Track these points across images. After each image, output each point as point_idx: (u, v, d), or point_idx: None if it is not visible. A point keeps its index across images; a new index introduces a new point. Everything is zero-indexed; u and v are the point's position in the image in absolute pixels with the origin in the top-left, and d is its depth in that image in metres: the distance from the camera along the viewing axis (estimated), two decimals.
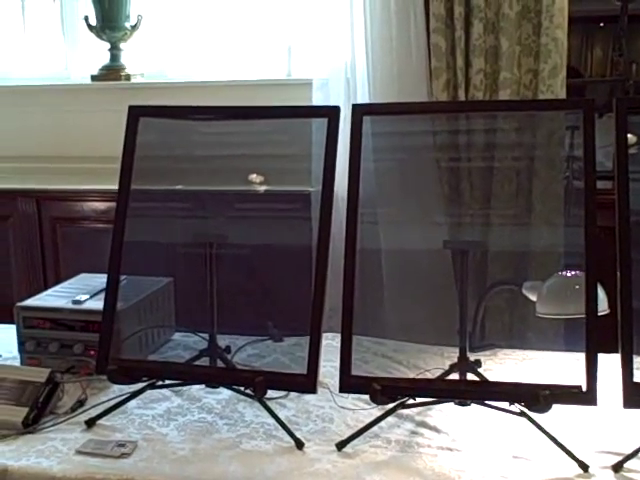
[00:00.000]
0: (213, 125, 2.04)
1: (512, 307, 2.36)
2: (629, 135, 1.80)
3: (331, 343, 1.88)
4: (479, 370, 1.66)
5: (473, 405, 1.58)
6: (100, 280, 2.04)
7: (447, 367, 1.68)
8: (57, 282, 2.54)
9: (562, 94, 2.43)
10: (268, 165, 2.45)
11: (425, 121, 2.38)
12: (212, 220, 2.26)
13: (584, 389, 1.49)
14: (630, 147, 1.80)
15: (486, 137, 2.48)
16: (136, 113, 1.85)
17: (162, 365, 1.76)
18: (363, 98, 2.61)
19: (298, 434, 1.58)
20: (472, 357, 1.70)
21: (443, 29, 2.50)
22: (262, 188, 2.53)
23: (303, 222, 2.41)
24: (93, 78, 3.04)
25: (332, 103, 2.62)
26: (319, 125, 1.85)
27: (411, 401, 1.60)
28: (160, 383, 1.71)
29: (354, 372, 1.62)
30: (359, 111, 1.72)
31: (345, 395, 1.70)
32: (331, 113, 1.72)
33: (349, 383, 1.59)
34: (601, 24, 2.83)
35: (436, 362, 1.87)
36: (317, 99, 2.66)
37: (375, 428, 1.60)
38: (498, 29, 2.46)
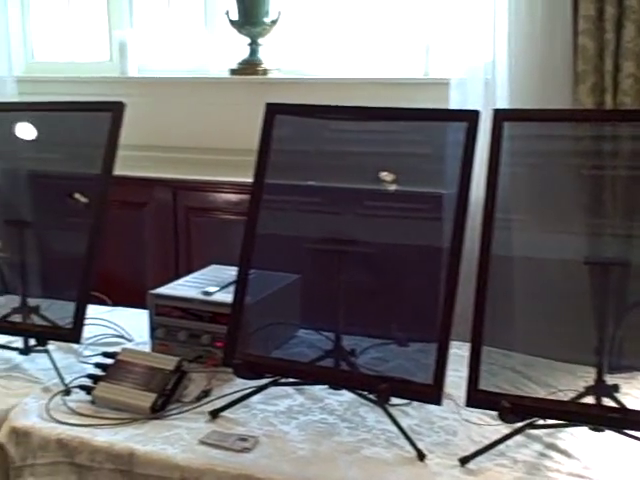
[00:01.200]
0: (347, 123, 2.03)
1: None
2: None
3: (457, 352, 1.83)
4: (617, 395, 1.57)
5: (608, 432, 1.50)
6: (230, 272, 2.07)
7: (582, 389, 1.60)
8: (188, 270, 2.60)
9: None
10: (400, 164, 2.40)
11: (568, 126, 2.27)
12: (341, 217, 2.24)
13: None
14: None
15: (633, 145, 2.34)
16: (273, 110, 1.86)
17: (287, 363, 1.76)
18: (502, 99, 2.52)
19: (420, 445, 1.54)
20: (609, 380, 1.61)
21: (592, 30, 2.37)
22: (393, 187, 2.49)
23: (434, 224, 2.35)
24: (232, 72, 3.08)
25: (469, 104, 2.55)
26: (455, 125, 1.81)
27: (541, 422, 1.53)
28: (284, 380, 1.71)
29: (483, 385, 1.56)
30: (500, 117, 1.67)
31: (470, 408, 1.64)
32: (471, 117, 1.68)
33: (477, 398, 1.54)
34: None
35: (568, 381, 1.78)
36: (454, 99, 2.59)
37: (501, 446, 1.54)
38: None
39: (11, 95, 3.11)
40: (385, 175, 2.52)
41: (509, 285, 2.34)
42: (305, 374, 1.72)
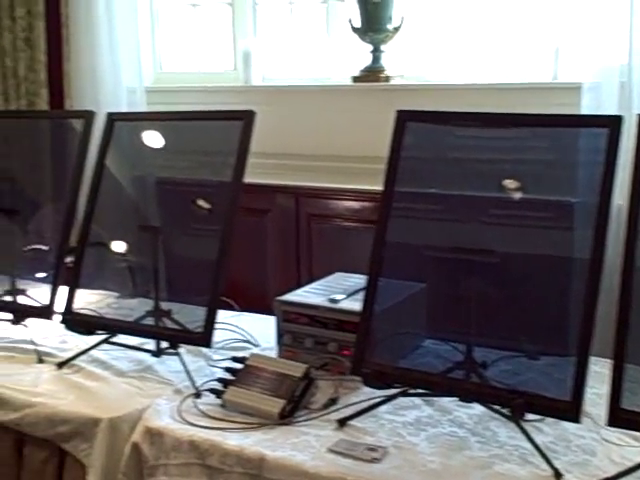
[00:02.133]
0: (472, 129, 1.99)
1: None
2: None
3: (591, 367, 1.75)
4: None
5: None
6: (355, 280, 2.06)
7: None
8: (310, 276, 2.61)
9: None
10: (527, 171, 2.34)
11: None
12: (467, 226, 2.19)
13: None
14: None
15: None
16: (404, 118, 1.84)
17: (417, 373, 1.72)
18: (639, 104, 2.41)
19: (557, 463, 1.48)
20: None
21: None
22: (520, 195, 2.43)
23: (564, 233, 2.27)
24: (354, 79, 3.08)
25: (603, 109, 2.45)
26: (593, 132, 1.74)
27: None
28: (413, 391, 1.68)
29: (624, 404, 1.48)
30: None
31: (609, 427, 1.56)
32: (613, 123, 1.60)
33: (619, 417, 1.46)
34: None
35: None
36: (586, 104, 2.49)
37: None
38: None
39: (141, 105, 3.22)
40: (510, 183, 2.45)
41: None
42: (435, 385, 1.68)
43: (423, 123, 1.89)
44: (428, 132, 2.04)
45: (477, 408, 1.70)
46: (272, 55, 3.36)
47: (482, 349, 1.91)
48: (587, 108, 2.50)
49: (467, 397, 1.65)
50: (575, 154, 1.95)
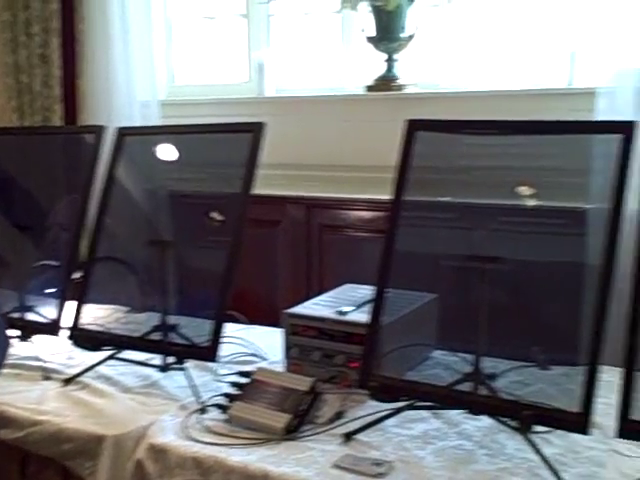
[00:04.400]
0: (483, 137, 1.96)
1: None
2: None
3: (601, 376, 1.71)
4: None
5: None
6: (364, 292, 2.04)
7: None
8: (320, 287, 2.59)
9: None
10: (539, 178, 2.31)
11: None
12: (478, 234, 2.16)
13: None
14: None
15: None
16: (414, 127, 1.82)
17: (424, 386, 1.69)
18: None
19: (565, 476, 1.45)
20: None
21: None
22: (531, 202, 2.40)
23: (577, 240, 2.24)
24: (368, 88, 3.07)
25: (618, 114, 2.41)
26: (606, 138, 1.71)
27: None
28: (420, 404, 1.66)
29: (634, 415, 1.45)
30: None
31: (619, 439, 1.53)
32: (627, 129, 1.57)
33: (630, 428, 1.43)
34: None
35: None
36: (601, 110, 2.46)
37: None
38: None
39: (155, 118, 3.24)
40: (524, 190, 2.42)
41: None
42: (443, 398, 1.65)
43: (432, 132, 1.87)
44: (441, 141, 2.02)
45: (485, 420, 1.67)
46: (286, 66, 3.36)
47: (493, 360, 1.88)
48: (602, 114, 2.47)
49: (475, 409, 1.62)
50: (588, 160, 1.92)
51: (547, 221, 2.50)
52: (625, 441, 1.52)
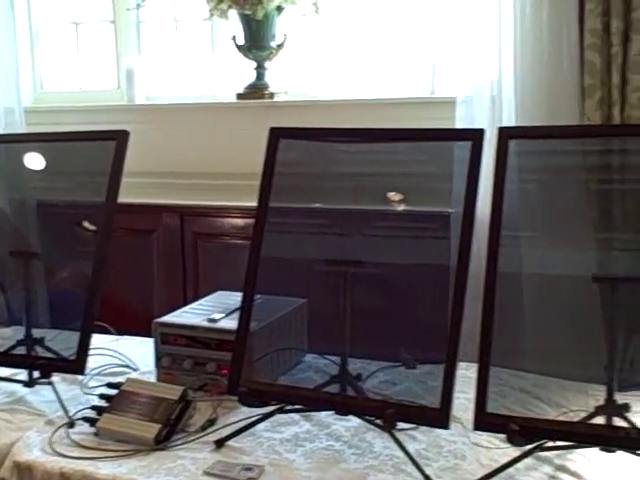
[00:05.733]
0: (354, 145, 2.02)
1: None
2: None
3: (465, 373, 1.80)
4: (627, 414, 1.53)
5: (620, 452, 1.46)
6: (235, 298, 2.05)
7: (592, 408, 1.56)
8: (195, 296, 2.59)
9: None
10: (406, 184, 2.39)
11: (575, 140, 2.24)
12: (347, 239, 2.22)
13: None
14: None
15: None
16: (277, 134, 1.86)
17: (293, 389, 1.73)
18: (509, 116, 2.50)
19: (428, 470, 1.51)
20: (620, 399, 1.57)
21: (599, 45, 2.35)
22: (400, 207, 2.48)
23: (441, 243, 2.33)
24: (238, 97, 3.09)
25: (476, 121, 2.54)
26: (461, 144, 1.79)
27: (550, 443, 1.49)
28: (289, 407, 1.69)
29: (491, 408, 1.53)
30: (505, 134, 1.65)
31: (479, 431, 1.61)
32: (475, 136, 1.66)
33: (484, 421, 1.51)
34: None
35: (579, 401, 1.74)
36: (460, 117, 2.58)
37: (510, 469, 1.50)
38: None
39: (20, 126, 3.13)
40: (393, 195, 2.51)
41: (518, 303, 2.31)
42: (311, 400, 1.69)
43: (295, 139, 1.91)
44: (312, 148, 2.06)
45: (354, 420, 1.72)
46: (156, 73, 3.33)
47: (363, 361, 1.94)
48: (461, 122, 2.59)
49: (342, 410, 1.66)
50: (451, 166, 2.01)
51: (415, 225, 2.60)
52: (485, 433, 1.61)
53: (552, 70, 2.42)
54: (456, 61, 2.65)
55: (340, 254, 1.85)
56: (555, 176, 2.35)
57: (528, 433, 1.46)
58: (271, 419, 1.71)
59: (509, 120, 2.50)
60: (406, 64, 3.01)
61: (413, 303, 2.39)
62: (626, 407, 1.54)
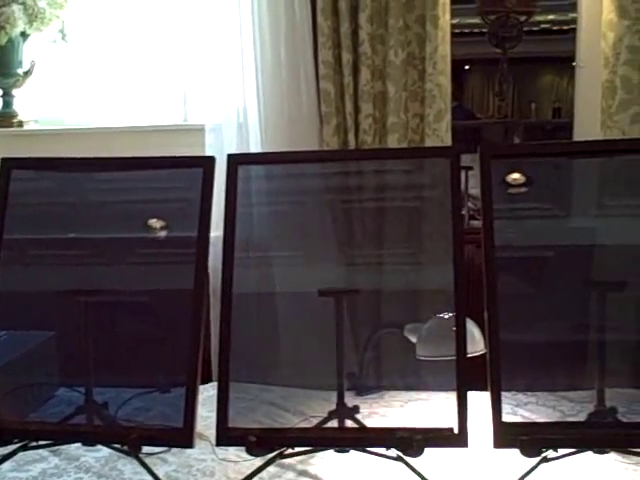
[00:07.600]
0: (108, 173, 2.03)
1: (399, 349, 2.37)
2: (517, 175, 1.87)
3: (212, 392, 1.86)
4: (357, 416, 1.66)
5: (353, 451, 1.59)
6: None
7: (326, 414, 1.68)
8: None
9: (447, 137, 2.49)
10: (168, 211, 2.43)
11: (314, 164, 2.40)
12: (88, 269, 2.21)
13: (456, 431, 1.51)
14: (520, 187, 1.86)
15: (377, 179, 2.51)
16: (9, 165, 1.82)
17: (37, 424, 1.70)
18: (255, 142, 2.63)
19: None
20: (353, 402, 1.71)
21: (332, 75, 2.54)
22: (163, 234, 2.50)
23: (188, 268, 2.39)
24: None
25: (225, 147, 2.63)
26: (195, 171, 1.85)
27: (290, 450, 1.59)
28: (34, 444, 1.66)
29: (238, 422, 1.61)
30: (234, 161, 1.75)
31: (227, 447, 1.68)
32: (206, 163, 1.75)
33: (226, 436, 1.58)
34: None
35: (322, 407, 1.86)
36: (210, 144, 2.67)
37: (256, 479, 1.58)
38: (385, 75, 2.51)
39: None
40: (155, 222, 2.53)
41: (274, 321, 2.42)
42: (56, 434, 1.67)
43: (30, 170, 1.88)
44: (67, 179, 2.04)
45: (105, 450, 1.72)
46: None
47: (119, 389, 1.94)
48: (211, 148, 2.67)
49: (88, 441, 1.66)
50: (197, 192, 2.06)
51: (176, 251, 2.63)
52: (234, 448, 1.68)
53: (292, 99, 2.57)
54: (204, 90, 2.74)
55: (80, 284, 1.84)
56: (300, 197, 2.50)
57: (266, 443, 1.55)
58: (16, 458, 1.67)
59: (256, 147, 2.62)
60: (159, 92, 3.04)
61: (167, 328, 2.42)
62: (356, 409, 1.67)
